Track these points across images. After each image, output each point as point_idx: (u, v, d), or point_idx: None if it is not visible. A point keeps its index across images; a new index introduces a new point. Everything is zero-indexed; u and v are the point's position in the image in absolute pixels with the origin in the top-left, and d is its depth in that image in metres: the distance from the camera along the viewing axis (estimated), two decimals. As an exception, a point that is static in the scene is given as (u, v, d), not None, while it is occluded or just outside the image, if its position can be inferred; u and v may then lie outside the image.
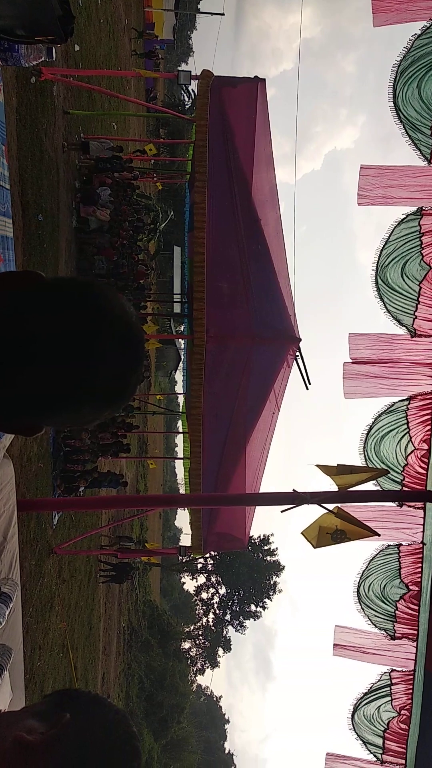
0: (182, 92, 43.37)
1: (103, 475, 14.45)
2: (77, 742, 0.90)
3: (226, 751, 71.91)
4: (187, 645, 46.50)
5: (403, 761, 3.87)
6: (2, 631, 1.74)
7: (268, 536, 45.77)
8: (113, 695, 23.18)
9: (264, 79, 11.35)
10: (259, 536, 45.33)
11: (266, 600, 44.32)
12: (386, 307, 3.12)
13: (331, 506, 3.52)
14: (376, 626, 3.82)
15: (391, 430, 3.41)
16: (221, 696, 78.09)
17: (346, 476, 3.36)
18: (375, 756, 3.96)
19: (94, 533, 15.30)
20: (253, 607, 44.69)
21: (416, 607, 3.73)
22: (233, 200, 10.92)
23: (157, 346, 16.78)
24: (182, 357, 29.50)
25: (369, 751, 3.98)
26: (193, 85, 14.20)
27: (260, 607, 44.56)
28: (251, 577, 43.38)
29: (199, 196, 10.24)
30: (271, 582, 44.32)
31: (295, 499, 3.34)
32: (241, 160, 11.40)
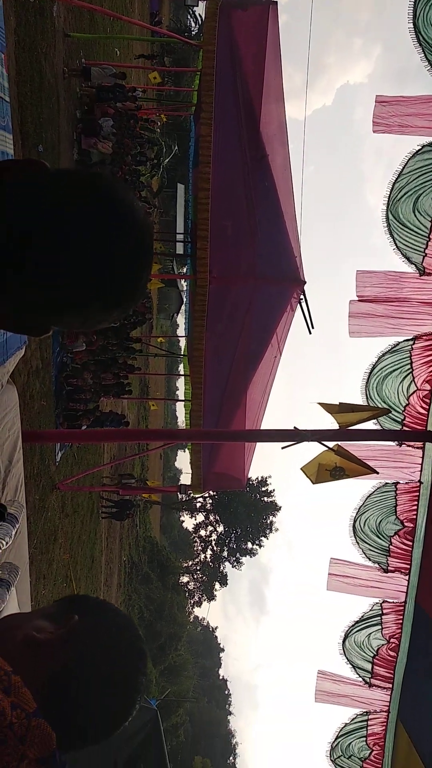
0: (189, 17, 41.00)
1: (105, 414, 14.60)
2: (86, 642, 0.94)
3: (221, 678, 75.96)
4: (185, 579, 48.27)
5: (390, 685, 4.08)
6: (9, 550, 1.79)
7: (266, 478, 46.73)
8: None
9: (276, 2, 10.67)
10: (258, 478, 46.26)
11: (263, 538, 45.66)
12: (396, 244, 3.05)
13: (331, 444, 3.57)
14: (370, 560, 3.94)
15: (394, 370, 3.41)
16: (217, 627, 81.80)
17: (348, 414, 3.39)
18: (364, 679, 4.18)
19: (96, 470, 15.61)
20: (249, 545, 46.08)
21: (410, 543, 3.83)
22: (240, 134, 10.50)
23: (159, 286, 16.54)
24: (184, 299, 29.19)
25: (358, 674, 4.20)
26: (200, 8, 13.39)
27: (257, 545, 45.95)
28: (249, 516, 44.53)
29: (205, 128, 9.84)
30: (268, 521, 45.54)
31: (295, 436, 3.38)
32: (250, 91, 10.88)
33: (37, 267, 0.86)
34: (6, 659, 0.82)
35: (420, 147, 2.82)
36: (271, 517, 45.82)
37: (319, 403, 3.35)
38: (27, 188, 0.90)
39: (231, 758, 66.09)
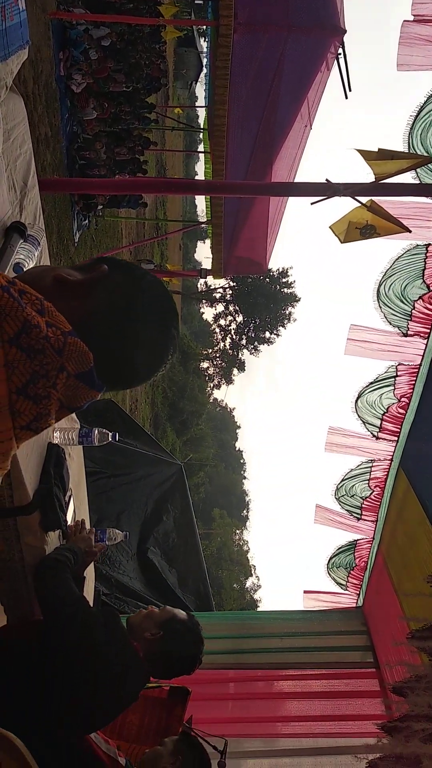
0: None
1: (122, 194, 13.91)
2: (115, 287, 0.94)
3: (237, 449, 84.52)
4: (205, 365, 50.80)
5: (395, 438, 4.43)
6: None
7: (287, 269, 46.15)
8: (140, 401, 26.36)
9: None
10: (278, 269, 45.73)
11: (280, 328, 46.67)
12: None
13: (363, 200, 3.35)
14: (390, 323, 3.99)
15: (442, 111, 3.03)
16: (235, 408, 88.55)
17: (386, 163, 3.10)
18: (372, 433, 4.54)
19: (114, 252, 15.45)
20: (267, 334, 47.32)
21: (433, 307, 3.82)
22: None
23: (176, 35, 14.34)
24: (205, 62, 25.78)
25: (367, 429, 4.55)
26: None
27: (274, 334, 47.16)
28: (268, 307, 44.96)
29: None
30: (287, 312, 46.10)
31: (327, 189, 3.15)
32: None
33: None
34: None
35: None
36: (290, 308, 46.25)
37: (357, 150, 3.06)
38: None
39: (245, 511, 76.70)
